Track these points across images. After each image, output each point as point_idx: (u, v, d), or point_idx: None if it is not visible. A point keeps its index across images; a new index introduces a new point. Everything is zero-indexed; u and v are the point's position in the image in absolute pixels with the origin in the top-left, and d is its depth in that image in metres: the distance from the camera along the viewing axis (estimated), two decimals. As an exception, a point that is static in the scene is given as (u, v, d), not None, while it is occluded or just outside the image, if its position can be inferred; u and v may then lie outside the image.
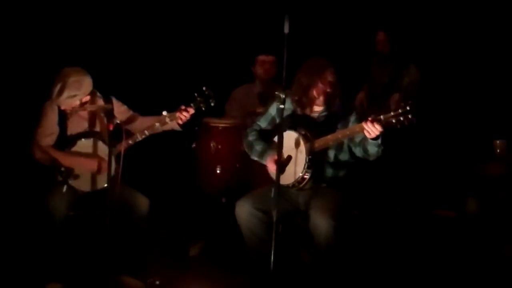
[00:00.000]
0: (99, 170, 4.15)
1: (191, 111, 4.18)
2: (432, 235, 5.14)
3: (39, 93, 4.41)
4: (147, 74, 6.09)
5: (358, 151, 3.93)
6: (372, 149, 3.77)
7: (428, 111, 5.11)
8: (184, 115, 4.16)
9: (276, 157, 3.72)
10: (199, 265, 4.66)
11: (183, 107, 4.17)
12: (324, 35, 6.18)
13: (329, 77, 4.00)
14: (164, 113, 4.16)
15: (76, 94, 4.07)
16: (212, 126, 5.02)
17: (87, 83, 4.12)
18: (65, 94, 4.05)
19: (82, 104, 4.14)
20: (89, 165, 4.15)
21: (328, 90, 4.00)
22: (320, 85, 4.00)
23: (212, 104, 4.22)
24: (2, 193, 4.99)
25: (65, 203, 4.04)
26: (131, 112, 4.40)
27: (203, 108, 4.22)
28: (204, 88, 4.20)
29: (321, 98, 4.03)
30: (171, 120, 4.17)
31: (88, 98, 4.15)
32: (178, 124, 4.22)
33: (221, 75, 5.89)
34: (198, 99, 4.19)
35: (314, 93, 4.03)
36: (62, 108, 4.14)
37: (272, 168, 4.05)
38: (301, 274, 4.27)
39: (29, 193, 4.51)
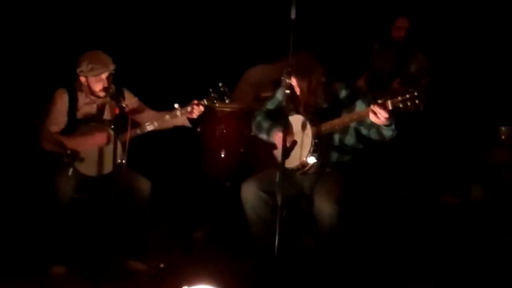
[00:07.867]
0: (108, 142, 4.15)
1: (202, 107, 4.15)
2: (436, 221, 5.15)
3: (51, 79, 4.50)
4: (159, 69, 6.09)
5: (372, 134, 3.86)
6: (387, 132, 3.73)
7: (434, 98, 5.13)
8: (196, 110, 4.14)
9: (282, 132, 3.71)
10: (203, 249, 4.67)
11: (195, 102, 4.15)
12: (330, 21, 6.17)
13: (298, 86, 3.91)
14: (176, 105, 4.15)
15: (100, 68, 4.11)
16: (217, 110, 5.01)
17: (109, 61, 4.16)
18: (90, 67, 4.10)
19: (102, 90, 4.17)
20: (97, 139, 4.16)
21: (304, 97, 3.93)
22: (296, 96, 3.94)
23: (227, 102, 4.19)
24: (9, 176, 5.01)
25: (71, 185, 4.05)
26: (141, 104, 4.39)
27: (217, 105, 4.19)
28: (220, 85, 4.16)
29: (308, 101, 3.96)
30: (182, 114, 4.16)
31: (106, 78, 4.16)
32: (188, 119, 4.20)
33: (227, 60, 5.90)
34: (213, 95, 4.16)
35: (297, 100, 3.98)
36: (92, 85, 4.17)
37: (278, 141, 4.00)
38: (305, 259, 4.28)
39: (36, 175, 4.52)
